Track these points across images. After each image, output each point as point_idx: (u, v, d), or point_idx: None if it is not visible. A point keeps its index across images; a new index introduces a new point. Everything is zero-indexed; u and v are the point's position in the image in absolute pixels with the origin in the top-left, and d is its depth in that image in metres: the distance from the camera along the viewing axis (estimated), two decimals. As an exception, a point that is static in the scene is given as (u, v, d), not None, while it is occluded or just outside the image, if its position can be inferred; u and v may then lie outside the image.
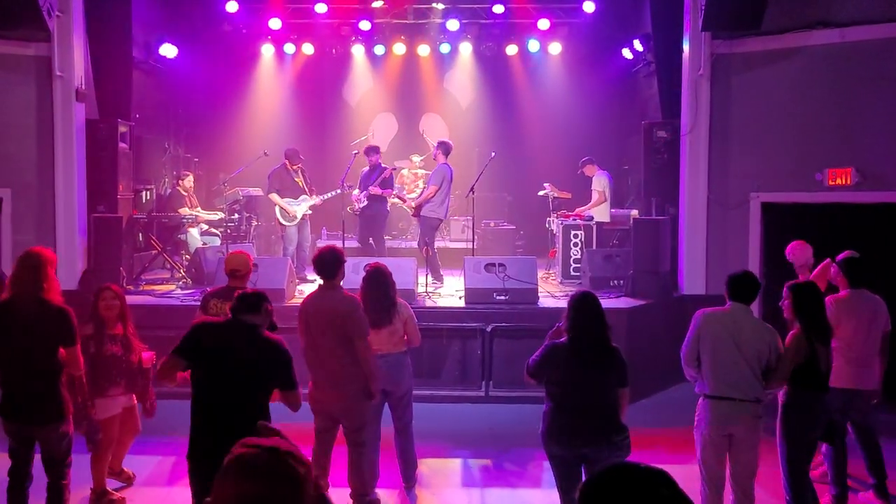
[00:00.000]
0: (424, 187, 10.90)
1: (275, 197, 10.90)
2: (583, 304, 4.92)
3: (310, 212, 11.06)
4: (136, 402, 6.22)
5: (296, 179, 10.98)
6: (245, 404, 4.48)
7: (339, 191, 10.89)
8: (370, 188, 10.80)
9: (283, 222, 11.02)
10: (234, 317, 4.67)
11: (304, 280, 10.57)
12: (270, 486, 2.17)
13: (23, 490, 5.22)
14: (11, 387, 5.13)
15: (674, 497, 1.84)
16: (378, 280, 6.17)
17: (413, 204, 10.75)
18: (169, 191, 12.72)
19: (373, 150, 11.15)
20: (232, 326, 4.66)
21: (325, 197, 11.08)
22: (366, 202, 10.86)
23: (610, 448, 4.79)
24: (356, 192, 11.03)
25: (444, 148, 10.56)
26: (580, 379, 4.84)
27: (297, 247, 11.05)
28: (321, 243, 13.07)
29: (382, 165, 11.09)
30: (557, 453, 4.91)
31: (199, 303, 6.52)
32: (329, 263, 5.75)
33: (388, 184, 11.00)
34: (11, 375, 5.11)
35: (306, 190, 11.00)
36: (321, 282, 5.83)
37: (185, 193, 11.69)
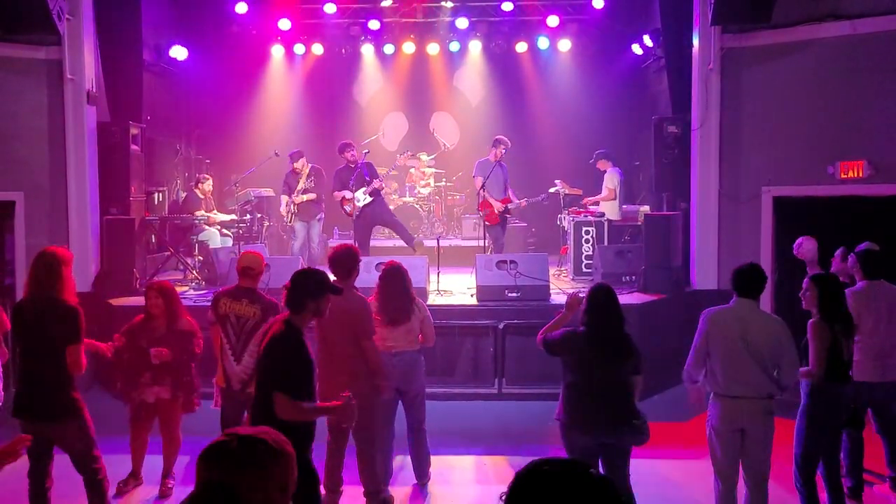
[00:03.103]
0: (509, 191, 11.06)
1: (283, 198, 11.25)
2: (598, 297, 5.12)
3: (295, 210, 11.03)
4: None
5: (299, 180, 11.12)
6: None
7: (302, 185, 10.99)
8: (375, 183, 10.61)
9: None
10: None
11: None
12: (233, 473, 2.24)
13: (44, 492, 5.25)
14: (26, 385, 5.21)
15: (603, 479, 1.86)
16: (396, 277, 6.19)
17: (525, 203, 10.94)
18: (185, 194, 12.70)
19: (347, 147, 10.87)
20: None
21: (297, 193, 11.03)
22: (370, 198, 10.63)
23: (632, 432, 4.97)
24: (347, 194, 10.63)
25: None
26: (597, 367, 5.00)
27: (308, 247, 11.16)
28: (332, 243, 13.12)
29: (361, 161, 10.83)
30: (578, 443, 4.99)
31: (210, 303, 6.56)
32: (345, 262, 5.81)
33: (375, 174, 10.91)
34: (26, 374, 5.21)
35: (293, 190, 11.12)
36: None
37: (203, 197, 11.69)
